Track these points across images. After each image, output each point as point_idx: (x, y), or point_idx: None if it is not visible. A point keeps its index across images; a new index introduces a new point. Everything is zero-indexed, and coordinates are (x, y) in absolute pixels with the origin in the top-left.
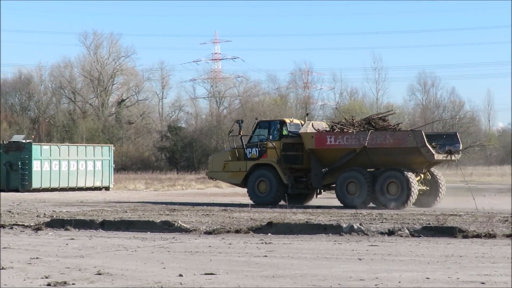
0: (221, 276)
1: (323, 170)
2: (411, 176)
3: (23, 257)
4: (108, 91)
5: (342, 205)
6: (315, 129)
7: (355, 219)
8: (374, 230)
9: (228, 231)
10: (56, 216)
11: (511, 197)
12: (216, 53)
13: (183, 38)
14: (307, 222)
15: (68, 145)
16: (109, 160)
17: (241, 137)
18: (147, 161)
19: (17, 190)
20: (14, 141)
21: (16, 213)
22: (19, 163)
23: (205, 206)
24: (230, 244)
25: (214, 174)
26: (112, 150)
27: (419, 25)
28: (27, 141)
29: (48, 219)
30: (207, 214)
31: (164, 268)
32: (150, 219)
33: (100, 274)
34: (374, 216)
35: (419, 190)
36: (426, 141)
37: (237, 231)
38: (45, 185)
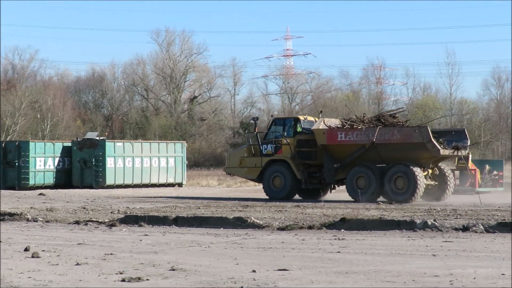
0: (294, 272)
1: (335, 165)
2: (417, 170)
3: (98, 253)
4: (180, 88)
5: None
6: (326, 126)
7: (429, 215)
8: (448, 226)
9: (301, 227)
10: (130, 213)
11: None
12: (288, 49)
13: (255, 35)
14: (380, 218)
15: (141, 142)
16: (182, 156)
17: (256, 134)
18: (220, 157)
19: (91, 187)
20: (88, 138)
21: (90, 210)
22: (93, 160)
23: (277, 203)
24: (303, 240)
25: (231, 170)
26: (185, 147)
27: (493, 20)
28: (101, 138)
29: (122, 216)
30: (280, 211)
31: (237, 264)
32: (223, 215)
33: (173, 269)
34: (448, 212)
35: (428, 185)
36: (431, 137)
37: (310, 227)
38: (119, 181)
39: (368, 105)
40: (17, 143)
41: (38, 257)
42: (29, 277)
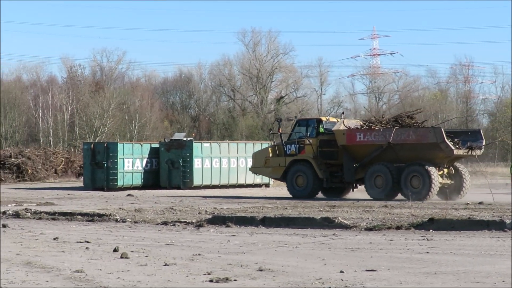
0: (383, 273)
1: (354, 165)
2: (432, 170)
3: (186, 254)
4: (267, 88)
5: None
6: (346, 127)
7: None
8: None
9: (389, 228)
10: (217, 213)
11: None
12: (374, 49)
13: (341, 34)
14: (469, 218)
15: (228, 143)
16: None
17: (280, 135)
18: None
19: (178, 188)
20: (175, 139)
21: (178, 210)
22: (180, 161)
23: (365, 202)
24: (391, 240)
25: (257, 169)
26: None
27: None
28: (188, 139)
29: (210, 216)
30: (367, 211)
31: (325, 264)
32: (311, 216)
33: (261, 270)
34: None
35: (444, 183)
36: (445, 137)
37: (398, 228)
38: (206, 182)
39: (456, 104)
40: (105, 144)
41: (127, 257)
42: (118, 278)
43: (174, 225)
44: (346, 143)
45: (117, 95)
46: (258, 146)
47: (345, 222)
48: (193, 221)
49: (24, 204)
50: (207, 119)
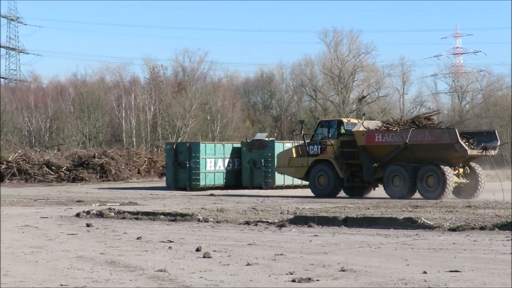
0: (466, 274)
1: (374, 165)
2: (447, 169)
3: (268, 254)
4: (348, 88)
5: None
6: (365, 128)
7: None
8: None
9: (473, 228)
10: (299, 213)
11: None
12: (457, 47)
13: (423, 33)
14: None
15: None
16: None
17: (303, 136)
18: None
19: (260, 187)
20: (257, 139)
21: (260, 210)
22: (262, 161)
23: (448, 203)
24: (474, 241)
25: (281, 169)
26: None
27: None
28: (270, 139)
29: (292, 216)
30: (451, 211)
31: (408, 265)
32: (393, 216)
33: (343, 270)
34: None
35: (460, 183)
36: (459, 138)
37: (481, 228)
38: (288, 182)
39: None
40: (188, 145)
41: (209, 257)
42: (201, 277)
43: (256, 225)
44: (365, 143)
45: (199, 95)
46: None
47: (428, 222)
48: (275, 221)
49: (108, 204)
50: (289, 119)
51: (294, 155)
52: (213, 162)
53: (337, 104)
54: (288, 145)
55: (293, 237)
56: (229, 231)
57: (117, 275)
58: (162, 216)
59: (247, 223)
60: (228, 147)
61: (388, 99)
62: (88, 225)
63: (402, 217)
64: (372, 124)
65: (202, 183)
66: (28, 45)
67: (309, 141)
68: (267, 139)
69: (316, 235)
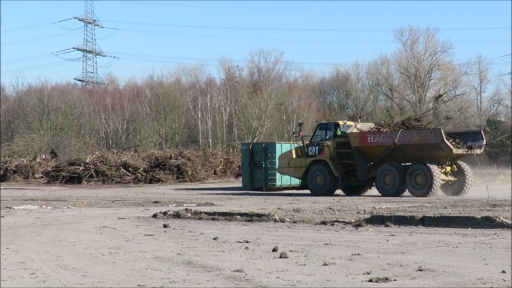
0: None
1: (367, 164)
2: (434, 168)
3: (345, 253)
4: (425, 86)
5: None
6: (358, 130)
7: None
8: None
9: None
10: (376, 213)
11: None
12: None
13: (500, 31)
14: None
15: None
16: None
17: (302, 137)
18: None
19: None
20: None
21: (336, 210)
22: None
23: None
24: None
25: (282, 169)
26: None
27: None
28: None
29: (368, 216)
30: None
31: (486, 264)
32: (471, 215)
33: (421, 270)
34: None
35: (448, 180)
36: (444, 138)
37: None
38: None
39: None
40: (264, 145)
41: (286, 257)
42: (277, 277)
43: (332, 224)
44: (359, 144)
45: (275, 95)
46: None
47: (507, 221)
48: (352, 220)
49: (185, 205)
50: (365, 119)
51: (294, 156)
52: None
53: (414, 103)
54: None
55: (370, 236)
56: (305, 231)
57: (194, 276)
58: (238, 217)
59: (324, 223)
60: None
61: (465, 97)
62: (165, 226)
63: (480, 216)
64: (366, 126)
65: (278, 183)
66: (105, 47)
67: (308, 142)
68: None
69: (393, 235)
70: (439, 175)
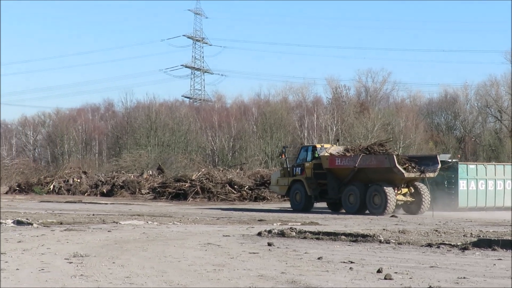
0: None
1: (338, 184)
2: (388, 189)
3: (450, 277)
4: None
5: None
6: (328, 153)
7: None
8: None
9: None
10: (483, 236)
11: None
12: None
13: None
14: None
15: (494, 164)
16: None
17: (285, 159)
18: None
19: (443, 210)
20: (440, 161)
21: (442, 232)
22: (445, 183)
23: None
24: None
25: (272, 187)
26: None
27: None
28: (453, 160)
29: (475, 239)
30: None
31: None
32: None
33: None
34: None
35: (406, 201)
36: (396, 163)
37: None
38: (471, 204)
39: None
40: None
41: (390, 279)
42: None
43: (438, 247)
44: (329, 166)
45: (382, 115)
46: None
47: None
48: (458, 243)
49: (289, 223)
50: (473, 141)
51: (280, 176)
52: None
53: None
54: (472, 166)
55: (476, 260)
56: (410, 252)
57: None
58: (343, 237)
59: (429, 245)
60: None
61: None
62: (269, 244)
63: None
64: (336, 150)
65: None
66: (213, 65)
67: (294, 163)
68: (450, 160)
69: (500, 259)
70: (393, 196)
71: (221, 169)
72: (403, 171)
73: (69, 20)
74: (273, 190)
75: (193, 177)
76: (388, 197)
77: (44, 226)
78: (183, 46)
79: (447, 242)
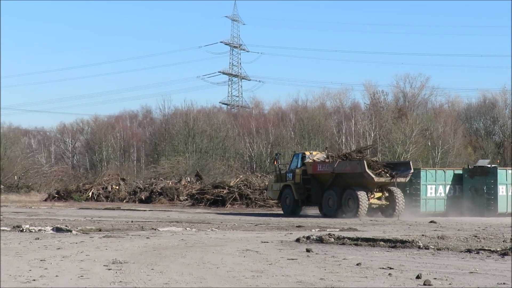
0: None
1: (321, 189)
2: (360, 194)
3: (490, 282)
4: None
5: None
6: (311, 160)
7: None
8: None
9: None
10: None
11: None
12: None
13: None
14: None
15: None
16: None
17: (278, 166)
18: None
19: (482, 215)
20: (479, 166)
21: (482, 238)
22: (485, 188)
23: None
24: None
25: (267, 192)
26: None
27: None
28: (492, 165)
29: None
30: None
31: None
32: None
33: None
34: None
35: (381, 204)
36: (366, 168)
37: None
38: (511, 209)
39: None
40: None
41: (430, 285)
42: None
43: (478, 253)
44: (312, 172)
45: (420, 121)
46: None
47: None
48: (498, 249)
49: (328, 230)
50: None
51: (274, 181)
52: (434, 188)
53: None
54: (510, 171)
55: None
56: (450, 258)
57: None
58: (382, 243)
59: (469, 251)
60: (449, 174)
61: None
62: (308, 250)
63: None
64: (319, 156)
65: (423, 209)
66: (250, 71)
67: (287, 170)
68: (489, 165)
69: None
70: (365, 200)
71: (259, 175)
72: (373, 176)
73: (107, 28)
74: (268, 195)
75: (231, 184)
76: (360, 201)
77: (83, 233)
78: (221, 53)
79: (486, 248)
